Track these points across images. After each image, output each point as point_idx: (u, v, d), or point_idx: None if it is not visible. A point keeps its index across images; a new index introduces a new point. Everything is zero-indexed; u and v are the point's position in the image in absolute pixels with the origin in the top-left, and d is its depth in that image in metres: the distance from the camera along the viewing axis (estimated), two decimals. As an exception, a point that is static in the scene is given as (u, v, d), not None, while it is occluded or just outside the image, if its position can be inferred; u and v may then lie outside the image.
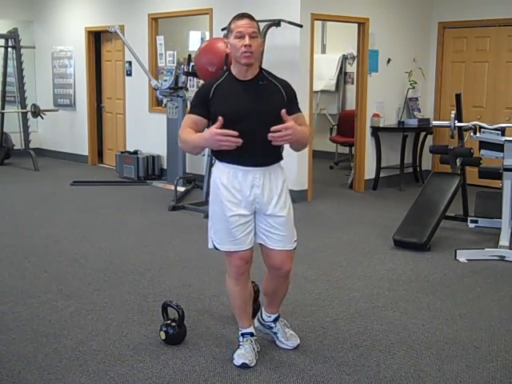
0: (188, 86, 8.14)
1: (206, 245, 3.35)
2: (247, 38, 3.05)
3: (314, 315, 4.00)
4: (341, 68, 10.34)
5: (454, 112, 5.97)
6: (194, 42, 9.08)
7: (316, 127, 9.67)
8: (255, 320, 3.59)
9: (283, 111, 3.01)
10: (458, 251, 5.24)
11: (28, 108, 9.95)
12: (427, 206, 5.80)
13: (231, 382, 3.15)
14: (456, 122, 5.93)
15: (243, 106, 3.13)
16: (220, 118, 2.98)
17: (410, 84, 8.25)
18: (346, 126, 9.39)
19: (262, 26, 6.34)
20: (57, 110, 10.34)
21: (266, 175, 3.19)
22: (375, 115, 8.06)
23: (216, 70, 6.19)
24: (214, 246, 3.29)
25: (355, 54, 8.43)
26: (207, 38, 8.14)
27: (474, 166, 6.19)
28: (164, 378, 3.18)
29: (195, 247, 5.44)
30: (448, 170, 6.18)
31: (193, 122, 3.17)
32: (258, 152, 3.14)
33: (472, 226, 6.16)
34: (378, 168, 8.19)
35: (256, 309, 3.68)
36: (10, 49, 9.97)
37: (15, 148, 10.13)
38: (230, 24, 3.14)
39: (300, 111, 3.26)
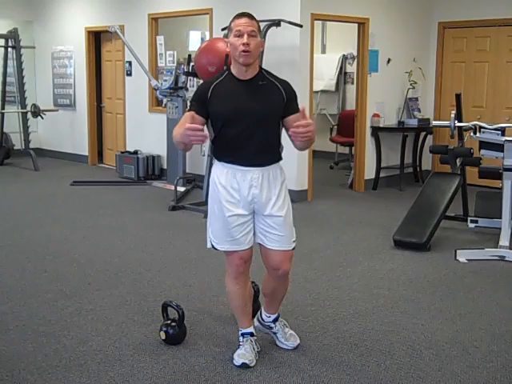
0: (188, 86, 8.14)
1: (205, 244, 3.35)
2: (245, 36, 3.03)
3: (314, 315, 4.00)
4: (341, 68, 10.35)
5: (454, 112, 5.97)
6: (194, 42, 9.09)
7: (316, 127, 9.64)
8: (255, 319, 3.58)
9: (302, 107, 2.99)
10: (457, 251, 5.24)
11: (28, 108, 9.94)
12: (427, 206, 5.80)
13: (231, 382, 3.15)
14: (456, 121, 5.93)
15: (242, 106, 3.12)
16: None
17: (410, 84, 8.26)
18: (346, 126, 9.39)
19: (262, 25, 6.33)
20: (57, 110, 10.33)
21: (265, 175, 3.18)
22: (375, 115, 8.06)
23: (216, 70, 6.18)
24: (212, 246, 3.28)
25: (355, 54, 8.42)
26: (207, 38, 8.14)
27: (474, 165, 6.19)
28: (164, 378, 3.18)
29: (195, 247, 5.44)
30: (448, 170, 6.18)
31: (190, 118, 3.11)
32: (256, 152, 3.14)
33: (472, 225, 6.15)
34: (378, 168, 8.19)
35: (256, 309, 3.67)
36: (9, 49, 9.96)
37: (15, 148, 10.13)
38: (230, 23, 3.13)
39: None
